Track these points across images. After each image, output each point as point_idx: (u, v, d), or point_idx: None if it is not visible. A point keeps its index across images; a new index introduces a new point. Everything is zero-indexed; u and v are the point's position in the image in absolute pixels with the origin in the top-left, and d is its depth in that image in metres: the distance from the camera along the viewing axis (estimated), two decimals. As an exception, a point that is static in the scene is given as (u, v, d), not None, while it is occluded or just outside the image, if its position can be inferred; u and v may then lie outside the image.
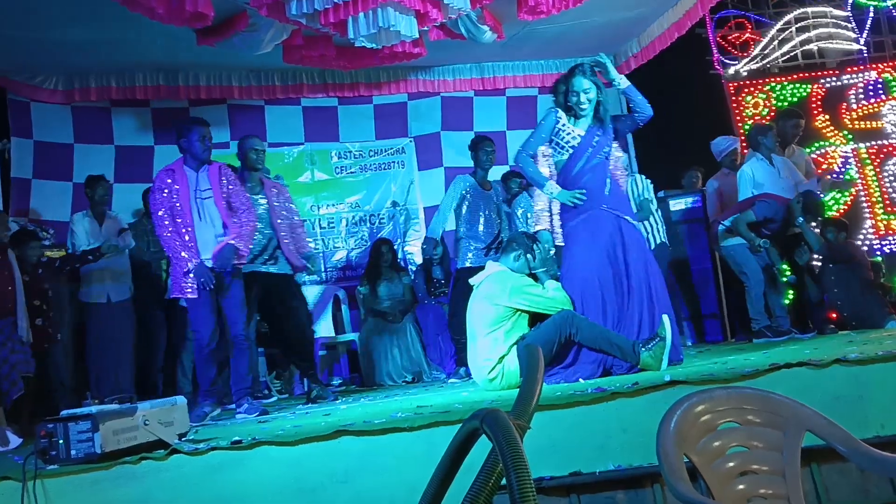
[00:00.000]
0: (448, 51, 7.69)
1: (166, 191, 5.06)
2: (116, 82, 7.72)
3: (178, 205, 5.05)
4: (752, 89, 8.43)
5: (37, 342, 5.71)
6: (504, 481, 1.41)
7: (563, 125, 4.85)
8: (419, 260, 8.09)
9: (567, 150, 4.84)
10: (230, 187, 5.22)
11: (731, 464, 2.16)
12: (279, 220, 5.77)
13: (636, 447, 3.15)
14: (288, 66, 7.57)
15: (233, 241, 5.07)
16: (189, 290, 4.99)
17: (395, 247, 8.16)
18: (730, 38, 8.52)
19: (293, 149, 8.58)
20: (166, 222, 5.04)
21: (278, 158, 8.45)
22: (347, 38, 6.16)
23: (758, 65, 8.45)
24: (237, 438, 3.16)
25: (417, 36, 6.34)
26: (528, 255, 4.93)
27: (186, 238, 5.04)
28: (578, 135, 4.83)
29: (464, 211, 6.49)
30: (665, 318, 4.49)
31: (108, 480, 3.00)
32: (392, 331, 7.30)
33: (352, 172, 8.68)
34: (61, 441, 3.02)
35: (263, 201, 5.74)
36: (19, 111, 7.63)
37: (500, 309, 4.72)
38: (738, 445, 2.19)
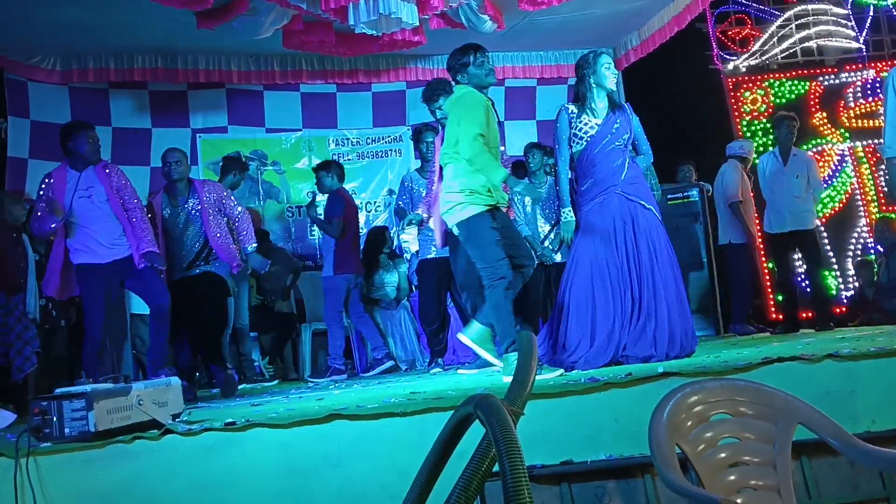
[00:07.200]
0: (447, 39, 7.64)
1: (42, 193, 5.05)
2: (115, 64, 7.68)
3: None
4: (750, 85, 8.43)
5: (40, 321, 5.73)
6: (497, 467, 1.42)
7: (578, 117, 4.83)
8: (414, 248, 8.07)
9: (585, 140, 4.80)
10: (122, 182, 5.16)
11: (723, 455, 2.18)
12: (210, 219, 5.69)
13: (628, 437, 3.17)
14: (287, 51, 7.53)
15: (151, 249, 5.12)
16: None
17: (391, 235, 8.14)
18: (729, 33, 8.53)
19: (291, 135, 8.56)
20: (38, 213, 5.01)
21: (276, 144, 8.45)
22: (348, 24, 6.15)
23: (757, 61, 8.45)
24: (231, 420, 3.17)
25: (418, 24, 6.33)
26: None
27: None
28: (596, 124, 4.78)
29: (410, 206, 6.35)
30: (510, 356, 4.28)
31: (101, 459, 3.01)
32: (387, 318, 7.31)
33: (349, 160, 8.65)
34: (55, 419, 3.02)
35: (190, 203, 5.70)
36: (16, 90, 7.57)
37: None
38: (730, 436, 2.20)
